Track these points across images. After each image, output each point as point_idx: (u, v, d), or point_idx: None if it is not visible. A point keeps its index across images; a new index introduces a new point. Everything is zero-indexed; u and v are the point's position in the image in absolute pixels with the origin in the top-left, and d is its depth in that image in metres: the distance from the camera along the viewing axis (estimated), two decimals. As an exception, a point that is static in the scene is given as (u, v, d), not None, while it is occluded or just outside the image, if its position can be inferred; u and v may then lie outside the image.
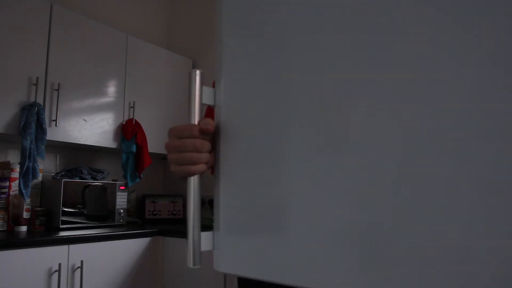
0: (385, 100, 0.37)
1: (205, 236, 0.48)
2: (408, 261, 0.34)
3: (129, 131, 2.43)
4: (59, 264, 1.81)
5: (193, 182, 0.49)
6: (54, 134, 2.11)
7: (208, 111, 0.75)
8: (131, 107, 2.50)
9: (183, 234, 2.21)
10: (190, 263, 0.46)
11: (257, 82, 0.47)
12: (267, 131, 0.45)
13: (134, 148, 2.43)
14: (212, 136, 0.51)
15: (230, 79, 0.50)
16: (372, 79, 0.38)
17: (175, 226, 2.44)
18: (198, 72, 0.50)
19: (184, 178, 0.50)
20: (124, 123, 2.46)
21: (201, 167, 0.50)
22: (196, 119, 0.50)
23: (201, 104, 0.50)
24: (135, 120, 2.49)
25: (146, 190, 2.83)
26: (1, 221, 1.97)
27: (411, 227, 0.34)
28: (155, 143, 2.56)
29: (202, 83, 0.50)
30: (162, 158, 2.90)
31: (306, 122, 0.42)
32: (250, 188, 0.46)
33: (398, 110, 0.36)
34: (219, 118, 0.50)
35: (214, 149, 0.52)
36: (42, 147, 2.02)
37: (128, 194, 2.53)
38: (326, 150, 0.40)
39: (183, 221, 2.70)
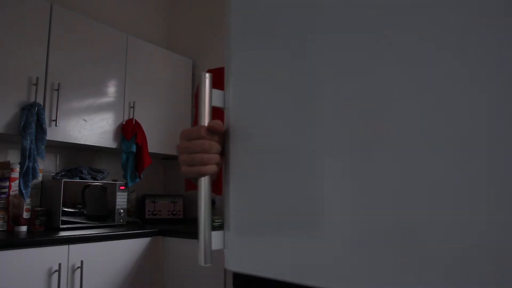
0: (411, 100, 0.36)
1: (216, 235, 0.49)
2: (436, 262, 0.34)
3: (129, 131, 2.43)
4: (59, 264, 1.82)
5: (204, 183, 0.50)
6: (54, 134, 2.11)
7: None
8: (131, 107, 2.50)
9: (183, 234, 2.21)
10: (201, 262, 0.47)
11: (266, 84, 0.48)
12: (276, 133, 0.46)
13: (134, 148, 2.43)
14: (222, 138, 0.52)
15: (240, 81, 0.51)
16: (381, 79, 0.39)
17: (175, 226, 2.44)
18: (207, 75, 0.51)
19: (195, 179, 0.51)
20: (124, 123, 2.46)
21: (212, 167, 0.51)
22: (206, 121, 0.51)
23: (211, 107, 0.51)
24: (135, 120, 2.49)
25: (146, 190, 2.83)
26: (1, 221, 1.97)
27: (443, 228, 0.34)
28: (155, 143, 2.57)
29: (211, 86, 0.51)
30: (162, 158, 2.91)
31: (315, 123, 0.43)
32: (259, 189, 0.47)
33: (427, 109, 0.36)
34: (228, 120, 0.51)
35: (224, 151, 0.52)
36: (42, 147, 2.02)
37: (128, 194, 2.53)
38: (336, 153, 0.41)
39: (183, 221, 2.70)
